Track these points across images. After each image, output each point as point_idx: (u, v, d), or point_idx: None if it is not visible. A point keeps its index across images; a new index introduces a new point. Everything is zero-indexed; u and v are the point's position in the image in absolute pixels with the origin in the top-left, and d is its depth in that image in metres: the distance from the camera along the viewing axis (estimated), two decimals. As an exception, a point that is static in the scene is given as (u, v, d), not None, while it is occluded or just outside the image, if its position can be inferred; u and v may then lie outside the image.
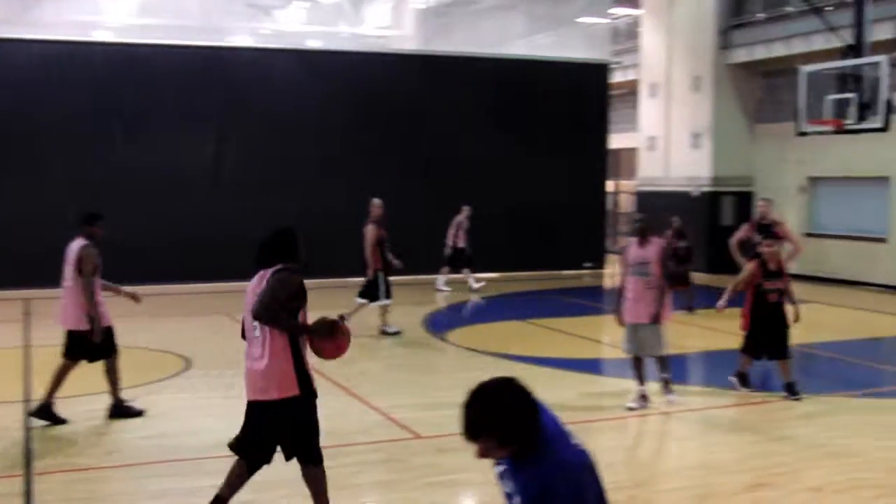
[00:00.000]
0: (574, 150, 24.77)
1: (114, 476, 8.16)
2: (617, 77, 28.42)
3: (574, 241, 24.60)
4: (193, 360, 12.91)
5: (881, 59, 16.81)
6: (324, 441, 8.88)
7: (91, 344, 9.54)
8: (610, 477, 8.03)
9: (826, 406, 10.68)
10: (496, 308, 19.22)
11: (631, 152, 29.75)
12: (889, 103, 16.55)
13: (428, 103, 23.16)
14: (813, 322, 18.18)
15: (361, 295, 15.25)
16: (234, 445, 6.56)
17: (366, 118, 22.62)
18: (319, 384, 11.33)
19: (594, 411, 10.27)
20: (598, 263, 25.30)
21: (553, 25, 27.23)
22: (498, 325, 17.04)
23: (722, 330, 14.50)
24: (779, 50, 23.74)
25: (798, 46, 22.98)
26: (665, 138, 27.07)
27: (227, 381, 11.70)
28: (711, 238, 23.67)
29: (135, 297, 10.06)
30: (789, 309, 10.84)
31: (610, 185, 29.52)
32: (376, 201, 15.48)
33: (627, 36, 30.17)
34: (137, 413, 9.84)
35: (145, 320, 14.81)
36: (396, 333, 15.08)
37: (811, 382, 11.05)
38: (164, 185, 21.04)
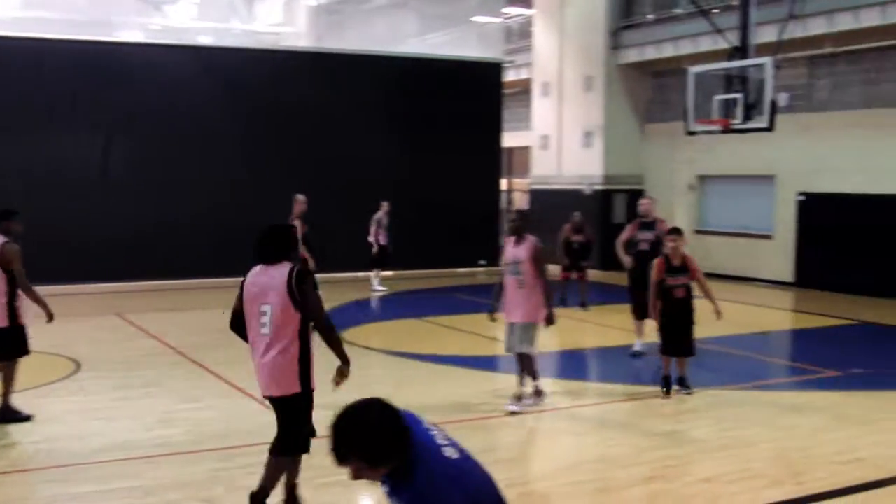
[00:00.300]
0: (468, 149, 24.86)
1: (2, 482, 7.92)
2: (510, 76, 28.66)
3: (469, 238, 24.70)
4: (83, 363, 12.62)
5: (766, 60, 17.22)
6: (217, 443, 8.81)
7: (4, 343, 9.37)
8: (508, 473, 8.12)
9: (716, 399, 10.92)
10: (392, 306, 19.21)
11: (524, 151, 30.01)
12: (774, 104, 16.97)
13: (320, 101, 23.01)
14: (702, 317, 18.61)
15: None
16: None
17: (257, 116, 22.40)
18: (214, 386, 11.27)
19: (491, 408, 10.31)
20: (493, 261, 25.42)
21: (446, 24, 27.33)
22: (394, 323, 17.04)
23: (615, 326, 14.72)
24: (668, 51, 24.21)
25: (686, 47, 23.46)
26: (557, 137, 27.37)
27: (117, 382, 11.50)
28: (604, 236, 24.01)
29: (48, 314, 9.79)
30: (710, 306, 10.76)
31: (504, 184, 29.77)
32: (300, 197, 15.54)
33: (520, 35, 30.42)
34: (25, 418, 9.57)
35: (34, 322, 14.40)
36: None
37: (702, 376, 11.27)
38: (50, 184, 20.49)
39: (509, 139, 28.28)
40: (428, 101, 24.32)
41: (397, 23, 26.89)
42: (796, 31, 18.39)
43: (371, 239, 20.71)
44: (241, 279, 6.70)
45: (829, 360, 13.43)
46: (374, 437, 3.23)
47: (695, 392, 10.83)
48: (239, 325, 6.75)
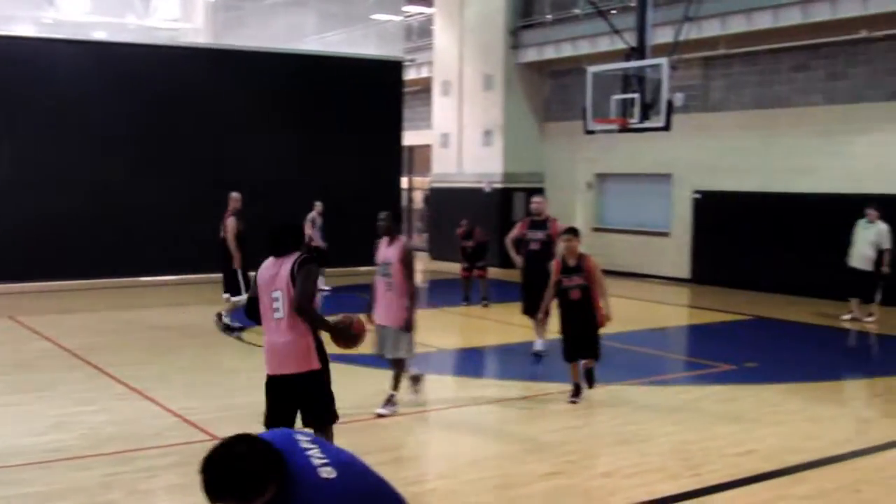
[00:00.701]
0: (369, 147, 24.78)
1: None
2: (411, 74, 28.67)
3: (370, 237, 24.46)
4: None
5: (662, 61, 17.50)
6: (114, 447, 8.62)
7: None
8: (409, 471, 8.10)
9: (614, 395, 11.06)
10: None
11: (425, 149, 30.05)
12: (670, 104, 17.26)
13: (218, 99, 22.70)
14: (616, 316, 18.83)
15: (227, 290, 15.18)
16: (265, 422, 7.10)
17: (153, 113, 21.99)
18: (109, 388, 11.04)
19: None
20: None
21: (346, 22, 27.22)
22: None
23: (516, 324, 14.81)
24: (566, 50, 24.47)
25: (584, 48, 23.76)
26: (458, 135, 27.47)
27: (9, 386, 11.24)
28: (504, 233, 24.10)
29: None
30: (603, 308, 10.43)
31: (405, 182, 29.76)
32: (235, 195, 15.46)
33: (420, 34, 30.46)
34: None
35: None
36: (240, 329, 14.79)
37: (601, 372, 11.38)
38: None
39: (410, 138, 28.29)
40: (328, 99, 24.17)
41: (297, 20, 26.66)
42: (692, 32, 18.73)
43: (306, 241, 20.53)
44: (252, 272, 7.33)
45: (725, 354, 13.72)
46: (244, 475, 3.15)
47: (593, 387, 10.89)
48: (254, 311, 7.28)
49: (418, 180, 33.32)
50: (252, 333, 14.21)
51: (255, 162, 22.85)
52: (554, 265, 10.67)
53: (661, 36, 19.60)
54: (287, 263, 7.08)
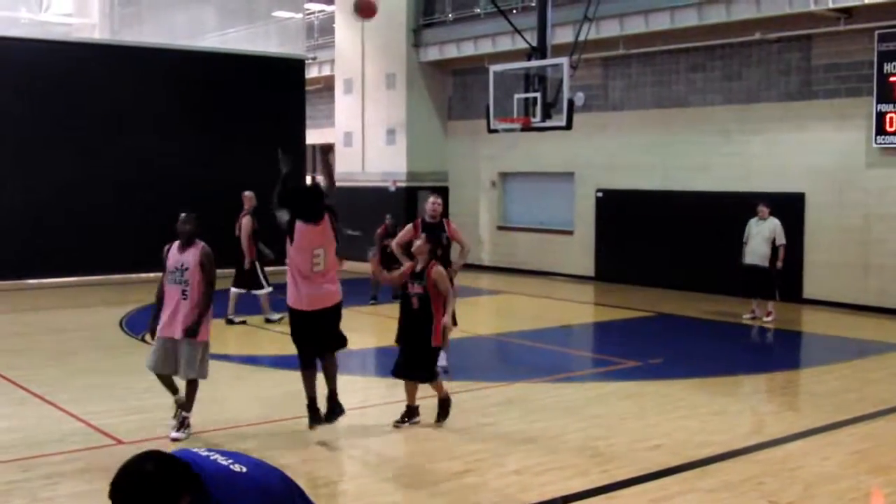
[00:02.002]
0: (271, 145, 24.38)
1: None
2: (313, 72, 28.52)
3: (273, 237, 24.25)
4: None
5: (562, 60, 17.66)
6: (15, 454, 8.39)
7: None
8: (321, 472, 8.05)
9: (522, 392, 11.14)
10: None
11: (328, 147, 29.89)
12: (571, 103, 17.41)
13: (115, 96, 22.24)
14: (505, 312, 18.99)
15: (237, 285, 15.72)
16: (304, 362, 9.13)
17: (46, 111, 21.46)
18: (10, 393, 10.75)
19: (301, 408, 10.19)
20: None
21: (247, 19, 26.90)
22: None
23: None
24: (468, 49, 24.56)
25: (486, 47, 23.88)
26: (361, 134, 27.39)
27: None
28: (408, 232, 24.19)
29: None
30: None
31: (308, 181, 29.54)
32: (248, 193, 15.97)
33: (322, 32, 30.28)
34: None
35: None
36: (280, 320, 14.98)
37: (507, 370, 11.47)
38: None
39: (313, 136, 28.12)
40: (229, 96, 23.86)
41: (196, 16, 26.26)
42: (591, 33, 18.95)
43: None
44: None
45: (629, 351, 13.93)
46: (156, 491, 3.10)
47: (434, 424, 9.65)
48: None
49: (321, 179, 33.13)
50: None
51: (154, 161, 22.44)
52: (406, 268, 9.63)
53: (562, 36, 19.82)
54: (326, 224, 8.86)
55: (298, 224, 8.87)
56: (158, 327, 8.99)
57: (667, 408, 10.40)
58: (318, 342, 9.02)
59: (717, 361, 13.48)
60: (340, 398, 9.19)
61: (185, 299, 8.92)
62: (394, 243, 12.02)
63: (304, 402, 9.12)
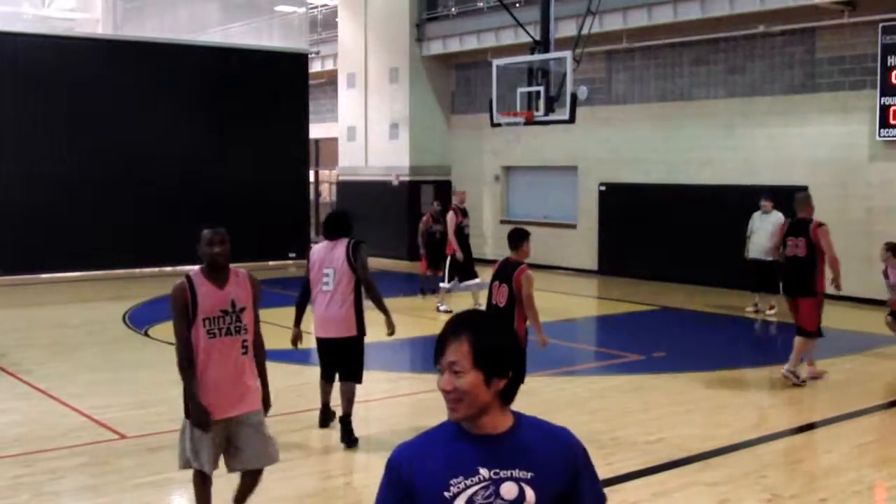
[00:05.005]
0: (275, 140, 24.56)
1: None
2: (316, 67, 28.52)
3: (278, 231, 24.37)
4: None
5: (566, 54, 17.63)
6: (19, 448, 8.43)
7: None
8: (324, 465, 8.06)
9: (526, 386, 10.98)
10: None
11: (332, 142, 29.90)
12: (574, 96, 17.40)
13: (118, 91, 22.24)
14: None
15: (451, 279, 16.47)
16: (322, 374, 9.09)
17: (50, 105, 21.47)
18: (13, 388, 10.78)
19: (299, 402, 10.19)
20: (303, 253, 25.25)
21: (250, 14, 26.93)
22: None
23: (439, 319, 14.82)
24: (471, 43, 24.55)
25: (489, 40, 23.86)
26: (364, 128, 27.39)
27: None
28: (411, 226, 24.22)
29: None
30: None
31: (311, 175, 29.60)
32: (459, 189, 17.10)
33: (325, 26, 30.26)
34: None
35: None
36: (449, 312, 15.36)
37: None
38: None
39: (316, 130, 28.14)
40: (233, 91, 23.88)
41: (199, 11, 26.28)
42: (594, 26, 18.93)
43: None
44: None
45: (633, 344, 13.95)
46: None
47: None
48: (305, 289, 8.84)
49: (326, 173, 33.17)
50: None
51: (159, 156, 22.49)
52: None
53: (565, 29, 19.81)
54: (340, 246, 8.63)
55: (318, 242, 9.14)
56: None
57: (670, 401, 10.42)
58: (335, 366, 8.98)
59: (720, 355, 13.49)
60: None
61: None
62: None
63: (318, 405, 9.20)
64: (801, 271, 11.32)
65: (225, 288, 6.07)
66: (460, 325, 2.82)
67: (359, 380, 8.86)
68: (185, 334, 6.04)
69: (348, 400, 8.76)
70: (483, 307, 14.61)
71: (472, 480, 2.71)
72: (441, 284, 16.69)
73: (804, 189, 18.48)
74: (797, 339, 11.30)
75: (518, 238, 8.79)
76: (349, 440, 8.64)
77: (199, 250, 6.04)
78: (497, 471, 2.73)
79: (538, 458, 2.78)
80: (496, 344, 2.82)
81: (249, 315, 6.14)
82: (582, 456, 2.90)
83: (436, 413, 9.23)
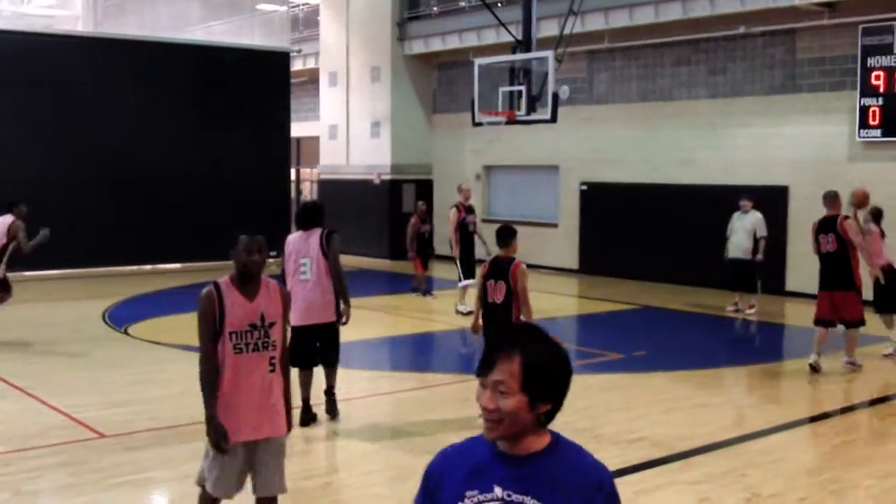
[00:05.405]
0: (256, 138, 24.49)
1: None
2: (297, 65, 28.46)
3: (259, 229, 23.78)
4: None
5: (547, 54, 17.63)
6: None
7: None
8: (305, 465, 8.05)
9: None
10: (181, 299, 18.69)
11: (313, 140, 29.86)
12: (556, 96, 17.42)
13: (98, 89, 22.10)
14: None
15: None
16: (291, 360, 6.89)
17: (28, 103, 21.32)
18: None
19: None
20: (282, 253, 25.13)
21: (231, 12, 26.88)
22: (183, 316, 16.56)
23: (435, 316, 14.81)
24: (453, 43, 24.55)
25: (471, 40, 23.87)
26: (345, 127, 27.36)
27: None
28: (392, 225, 24.27)
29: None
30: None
31: (293, 174, 29.53)
32: (465, 186, 17.14)
33: (307, 25, 30.20)
34: None
35: None
36: (468, 313, 14.92)
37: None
38: None
39: (298, 129, 28.07)
40: (214, 90, 23.79)
41: (180, 9, 26.17)
42: (576, 26, 18.94)
43: None
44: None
45: (613, 343, 13.99)
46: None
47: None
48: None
49: (307, 171, 33.11)
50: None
51: (140, 154, 22.37)
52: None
53: (547, 29, 19.83)
54: (314, 236, 9.00)
55: (292, 233, 9.50)
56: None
57: (650, 400, 10.44)
58: (314, 353, 9.24)
59: (700, 354, 13.54)
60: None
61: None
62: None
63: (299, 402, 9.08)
64: (837, 267, 11.67)
65: (255, 300, 5.69)
66: (514, 341, 2.71)
67: (338, 363, 9.41)
68: (210, 347, 5.62)
69: (333, 376, 9.38)
70: (467, 309, 14.69)
71: (485, 496, 2.69)
72: (459, 284, 16.36)
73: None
74: (849, 332, 11.81)
75: (507, 235, 9.26)
76: (334, 412, 9.35)
77: (231, 256, 5.73)
78: (510, 493, 2.67)
79: (557, 490, 2.66)
80: (549, 368, 2.72)
81: (279, 330, 5.73)
82: (605, 500, 2.69)
83: (417, 411, 9.25)
